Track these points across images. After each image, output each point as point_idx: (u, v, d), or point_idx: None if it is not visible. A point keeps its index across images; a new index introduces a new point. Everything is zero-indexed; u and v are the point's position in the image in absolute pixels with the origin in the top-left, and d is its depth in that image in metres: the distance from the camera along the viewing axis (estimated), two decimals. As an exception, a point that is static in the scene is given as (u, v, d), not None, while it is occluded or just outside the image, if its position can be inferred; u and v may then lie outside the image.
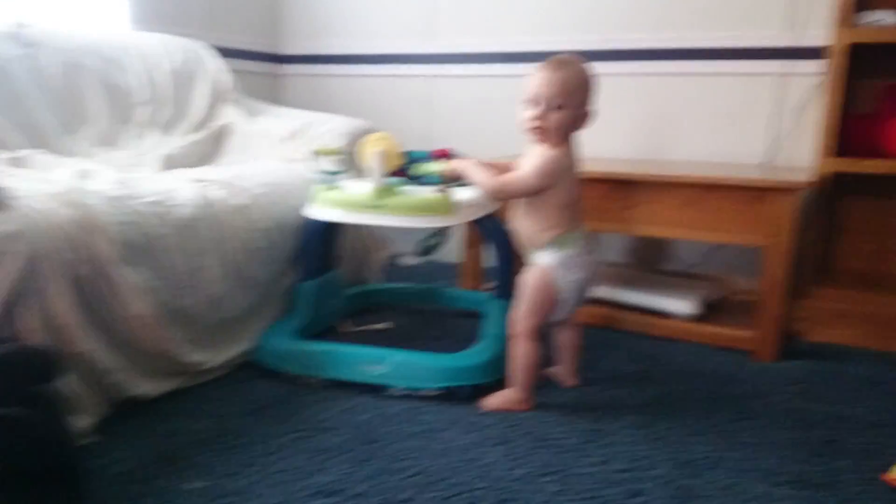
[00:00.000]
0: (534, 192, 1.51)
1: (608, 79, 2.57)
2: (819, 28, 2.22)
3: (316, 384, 1.67)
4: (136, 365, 1.50)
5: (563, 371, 1.73)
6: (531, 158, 1.53)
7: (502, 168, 1.60)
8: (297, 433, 1.44)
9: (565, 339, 1.70)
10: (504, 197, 1.55)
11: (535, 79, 1.48)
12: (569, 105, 1.47)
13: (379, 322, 2.10)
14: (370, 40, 3.04)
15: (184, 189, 1.68)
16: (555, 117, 1.47)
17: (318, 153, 1.81)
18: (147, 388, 1.52)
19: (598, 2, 2.59)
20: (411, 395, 1.62)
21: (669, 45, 2.49)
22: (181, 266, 1.58)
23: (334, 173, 1.78)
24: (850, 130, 2.13)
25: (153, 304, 1.49)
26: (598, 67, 2.53)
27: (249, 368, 1.76)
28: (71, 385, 1.32)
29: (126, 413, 1.47)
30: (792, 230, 1.85)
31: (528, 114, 1.49)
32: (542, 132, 1.49)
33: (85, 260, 1.37)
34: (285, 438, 1.42)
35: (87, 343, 1.37)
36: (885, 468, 1.34)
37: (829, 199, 2.11)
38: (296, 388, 1.67)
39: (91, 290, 1.38)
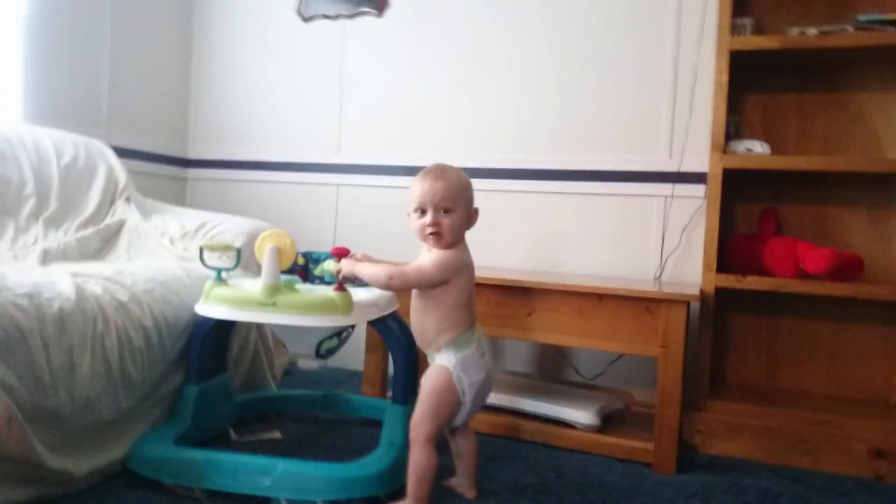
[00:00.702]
0: (429, 285, 1.52)
1: (506, 195, 2.71)
2: (698, 155, 2.40)
3: (195, 496, 1.53)
4: (-14, 471, 1.33)
5: (462, 482, 1.66)
6: (429, 256, 1.54)
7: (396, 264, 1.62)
8: (164, 551, 1.29)
9: (463, 448, 1.65)
10: (400, 286, 1.54)
11: (419, 188, 1.53)
12: (457, 207, 1.52)
13: (269, 430, 1.98)
14: (278, 148, 3.07)
15: (58, 283, 1.58)
16: (447, 221, 1.52)
17: (206, 248, 1.75)
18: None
19: (497, 124, 2.72)
20: (298, 509, 1.50)
21: (563, 166, 2.63)
22: (48, 363, 1.44)
23: (223, 270, 1.72)
24: (734, 250, 2.27)
25: (10, 403, 1.34)
26: (496, 184, 2.70)
27: (123, 477, 1.60)
28: None
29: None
30: (683, 341, 1.90)
31: (423, 221, 1.52)
32: (437, 237, 1.52)
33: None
34: (150, 557, 1.27)
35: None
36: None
37: (717, 313, 2.20)
38: (173, 499, 1.51)
39: (-63, 385, 1.24)
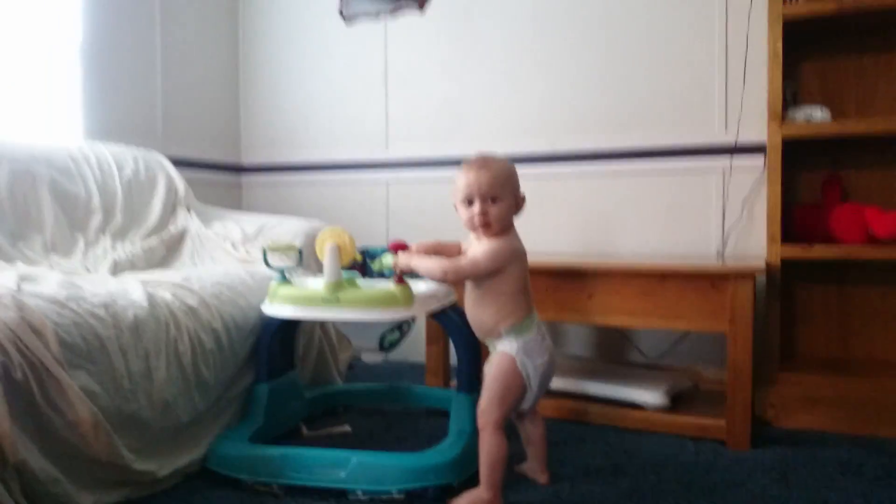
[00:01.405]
0: (484, 275, 1.52)
1: (556, 180, 2.69)
2: (755, 125, 2.34)
3: (273, 492, 1.56)
4: (77, 475, 1.38)
5: (534, 467, 1.66)
6: (480, 246, 1.54)
7: (450, 248, 1.64)
8: (250, 545, 1.33)
9: (532, 433, 1.65)
10: (455, 279, 1.55)
11: (464, 179, 1.53)
12: (504, 195, 1.52)
13: (339, 425, 2.01)
14: (327, 149, 3.11)
15: (131, 292, 1.63)
16: (495, 210, 1.51)
17: (269, 249, 1.79)
18: (88, 500, 1.39)
19: (543, 109, 2.70)
20: (375, 500, 1.52)
21: (615, 146, 2.59)
22: (126, 369, 1.50)
23: (287, 269, 1.75)
24: (798, 219, 2.21)
25: (96, 410, 1.39)
26: (545, 169, 2.68)
27: (203, 477, 1.65)
28: (2, 499, 1.21)
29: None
30: (751, 316, 1.86)
31: (471, 211, 1.52)
32: (486, 226, 1.52)
33: (22, 363, 1.29)
34: (237, 551, 1.31)
35: (22, 452, 1.27)
36: (873, 551, 1.28)
37: (784, 284, 2.14)
38: (252, 496, 1.56)
39: (28, 394, 1.30)
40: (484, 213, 1.51)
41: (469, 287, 1.58)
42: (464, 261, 1.53)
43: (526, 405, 1.58)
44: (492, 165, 1.53)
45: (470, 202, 1.53)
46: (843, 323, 2.28)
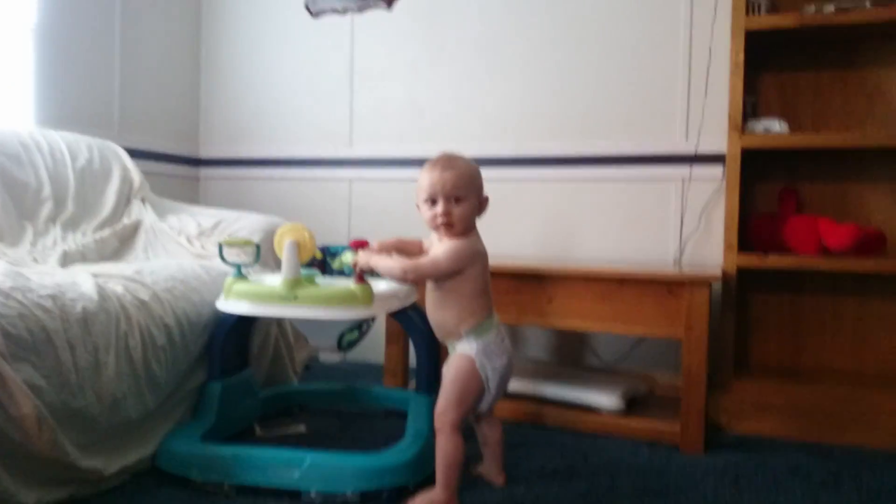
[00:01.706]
0: (445, 275, 1.51)
1: (519, 184, 2.69)
2: (715, 136, 2.38)
3: (224, 491, 1.53)
4: (19, 472, 1.33)
5: (490, 468, 1.65)
6: (441, 246, 1.53)
7: (412, 246, 1.64)
8: (198, 546, 1.30)
9: (489, 435, 1.65)
10: (415, 279, 1.54)
11: (428, 179, 1.52)
12: (468, 196, 1.51)
13: (294, 425, 1.98)
14: (290, 144, 3.06)
15: (80, 284, 1.58)
16: (458, 210, 1.51)
17: (225, 244, 1.75)
18: (30, 497, 1.34)
19: (509, 112, 2.71)
20: (329, 501, 1.50)
21: (577, 153, 2.61)
22: (74, 364, 1.45)
23: (243, 265, 1.72)
24: (754, 229, 2.26)
25: (39, 404, 1.34)
26: (509, 173, 2.69)
27: (152, 476, 1.61)
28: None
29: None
30: (707, 323, 1.88)
31: (434, 211, 1.51)
32: (448, 227, 1.51)
33: (-38, 354, 1.23)
34: (184, 552, 1.27)
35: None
36: (819, 555, 1.30)
37: (739, 293, 2.18)
38: (202, 495, 1.52)
39: (-33, 387, 1.24)
40: (447, 214, 1.50)
41: (430, 288, 1.57)
42: (424, 260, 1.52)
43: (484, 407, 1.57)
44: (456, 165, 1.52)
45: (433, 202, 1.51)
46: (796, 331, 2.33)
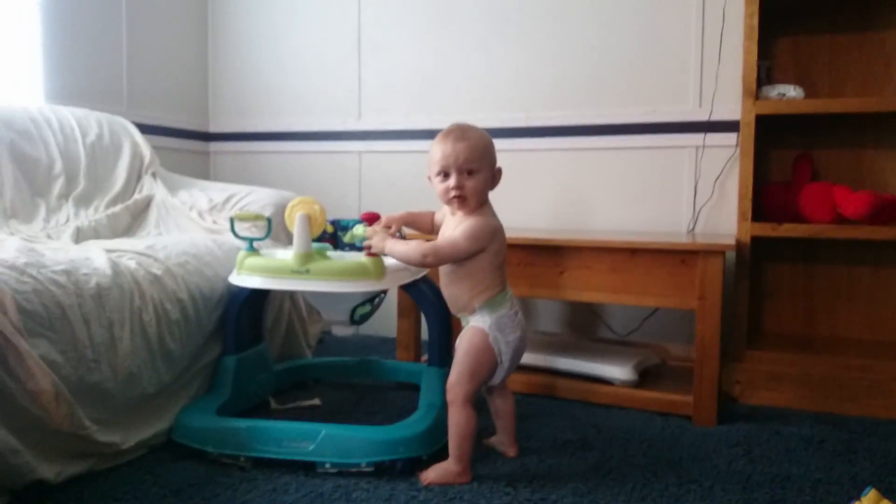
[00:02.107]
0: (465, 257, 1.49)
1: (531, 154, 2.67)
2: (729, 103, 2.34)
3: (240, 464, 1.55)
4: (38, 446, 1.35)
5: (502, 440, 1.66)
6: (458, 224, 1.52)
7: (423, 219, 1.64)
8: (215, 517, 1.32)
9: (501, 408, 1.65)
10: (435, 263, 1.52)
11: (440, 151, 1.49)
12: (481, 168, 1.49)
13: (308, 398, 1.99)
14: (299, 117, 3.05)
15: (94, 259, 1.59)
16: (471, 183, 1.48)
17: (237, 218, 1.75)
18: (50, 471, 1.36)
19: (519, 82, 2.67)
20: (343, 472, 1.51)
21: (588, 121, 2.58)
22: (89, 339, 1.46)
23: (255, 240, 1.72)
24: (768, 197, 2.23)
25: (56, 379, 1.36)
26: (520, 143, 2.66)
27: (168, 449, 1.63)
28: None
29: (27, 500, 1.32)
30: (720, 293, 1.87)
31: (447, 184, 1.49)
32: (461, 199, 1.49)
33: (-21, 331, 1.24)
34: (202, 523, 1.29)
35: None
36: (833, 523, 1.31)
37: (753, 262, 2.16)
38: (218, 468, 1.54)
39: (-16, 363, 1.26)
40: (460, 187, 1.48)
41: (446, 265, 1.55)
42: (443, 243, 1.50)
43: (496, 380, 1.57)
44: (469, 136, 1.49)
45: (445, 175, 1.49)
46: (810, 301, 2.32)
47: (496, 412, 1.66)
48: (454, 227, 1.54)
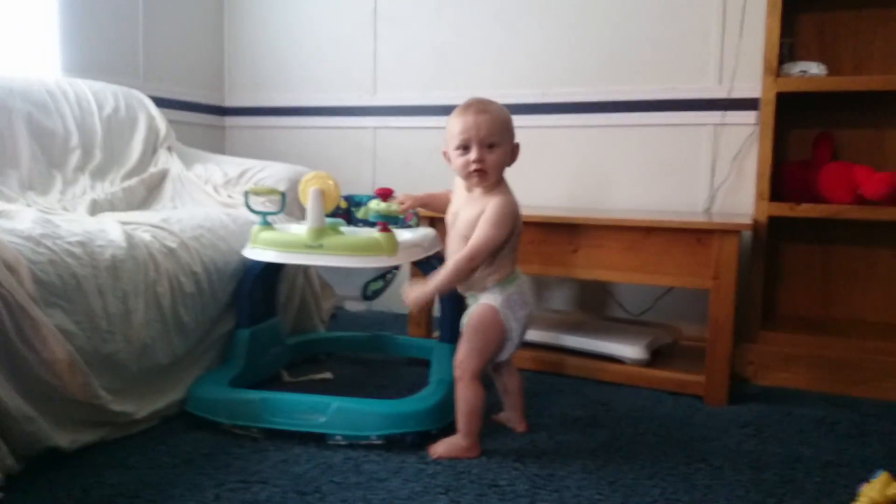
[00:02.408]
0: (500, 245, 1.48)
1: (547, 131, 2.65)
2: (749, 80, 2.30)
3: (252, 435, 1.57)
4: (53, 415, 1.38)
5: (511, 416, 1.67)
6: (472, 203, 1.50)
7: (441, 199, 1.64)
8: (228, 486, 1.33)
9: (509, 383, 1.65)
10: (480, 262, 1.48)
11: (461, 124, 1.47)
12: (502, 142, 1.47)
13: (320, 372, 2.01)
14: (314, 93, 3.04)
15: (109, 231, 1.60)
16: (492, 157, 1.47)
17: (251, 192, 1.75)
18: (65, 439, 1.38)
19: (537, 57, 2.64)
20: (354, 445, 1.53)
21: (607, 98, 2.55)
22: (104, 310, 1.48)
23: (270, 214, 1.72)
24: (786, 176, 2.20)
25: (71, 349, 1.37)
26: (536, 120, 2.64)
27: (182, 419, 1.65)
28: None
29: (41, 467, 1.35)
30: (735, 272, 1.85)
31: (467, 158, 1.47)
32: (482, 174, 1.48)
33: (-4, 300, 1.26)
34: (215, 491, 1.31)
35: (-4, 390, 1.25)
36: (842, 505, 1.30)
37: (769, 243, 2.14)
38: (230, 439, 1.56)
39: (2, 332, 1.27)
40: (481, 160, 1.46)
41: (460, 243, 1.52)
42: (478, 242, 1.45)
43: (504, 356, 1.57)
44: (490, 109, 1.48)
45: (465, 148, 1.47)
46: (826, 282, 2.30)
47: (504, 389, 1.66)
48: (465, 203, 1.53)
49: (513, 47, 2.68)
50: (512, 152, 1.52)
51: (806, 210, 2.02)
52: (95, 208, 2.04)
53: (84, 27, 2.51)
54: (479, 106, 1.48)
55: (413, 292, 1.48)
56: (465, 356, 1.51)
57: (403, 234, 1.70)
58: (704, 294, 1.95)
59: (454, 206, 1.58)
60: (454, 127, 1.48)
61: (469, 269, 1.47)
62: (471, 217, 1.50)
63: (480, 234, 1.47)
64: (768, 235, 2.09)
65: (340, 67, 2.98)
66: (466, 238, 1.50)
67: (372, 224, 1.68)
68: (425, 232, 1.79)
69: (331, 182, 1.66)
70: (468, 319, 1.55)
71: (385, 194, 1.60)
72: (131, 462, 1.42)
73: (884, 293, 2.23)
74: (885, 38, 2.18)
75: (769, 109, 2.04)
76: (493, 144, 1.46)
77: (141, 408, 1.57)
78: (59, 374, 1.35)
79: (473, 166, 1.46)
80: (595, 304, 2.63)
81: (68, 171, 2.12)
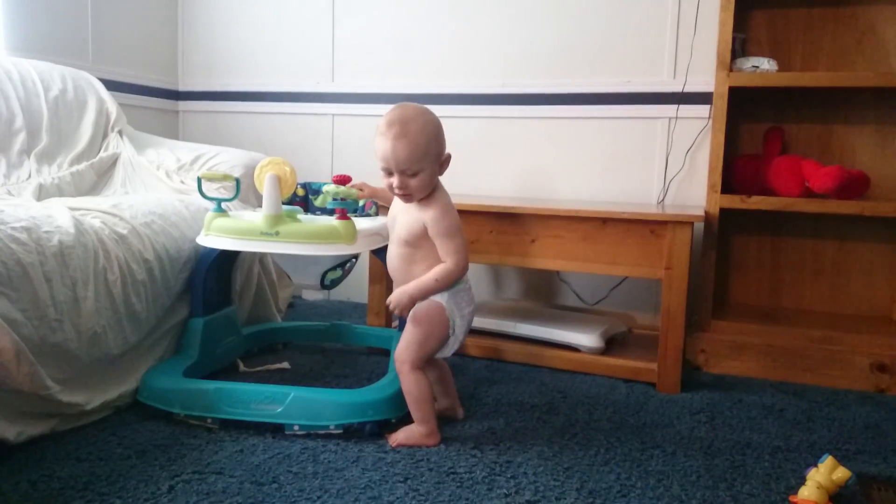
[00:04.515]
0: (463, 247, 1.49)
1: (504, 121, 2.65)
2: (703, 74, 2.34)
3: (207, 425, 1.54)
4: (1, 406, 1.33)
5: (447, 404, 1.66)
6: (420, 217, 1.48)
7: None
8: (183, 477, 1.31)
9: (438, 373, 1.64)
10: (465, 269, 1.50)
11: (381, 149, 1.44)
12: (424, 166, 1.44)
13: (278, 361, 1.99)
14: (271, 78, 2.99)
15: (57, 217, 1.55)
16: (414, 182, 1.45)
17: (204, 178, 1.71)
18: (11, 431, 1.34)
19: (495, 48, 2.64)
20: (312, 434, 1.52)
21: (563, 90, 2.56)
22: (52, 297, 1.43)
23: (223, 200, 1.69)
24: (738, 170, 2.25)
25: (17, 338, 1.33)
26: (494, 110, 2.64)
27: (135, 410, 1.62)
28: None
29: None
30: (688, 263, 1.89)
31: (390, 182, 1.46)
32: (406, 197, 1.48)
33: (-64, 287, 1.21)
34: (170, 483, 1.28)
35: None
36: (792, 490, 1.34)
37: (720, 234, 2.19)
38: (184, 429, 1.53)
39: (-58, 321, 1.23)
40: (403, 187, 1.45)
41: (401, 246, 1.52)
42: (450, 263, 1.47)
43: (448, 352, 1.55)
44: (409, 132, 1.41)
45: (389, 172, 1.46)
46: (775, 273, 2.36)
47: (436, 378, 1.64)
48: (403, 209, 1.52)
49: (472, 37, 2.67)
50: (440, 167, 1.49)
51: (756, 202, 2.07)
52: (42, 193, 1.98)
53: (29, 4, 2.41)
54: (399, 129, 1.41)
55: (400, 302, 1.49)
56: (403, 347, 1.51)
57: (362, 223, 1.68)
58: (657, 284, 1.99)
59: (393, 210, 1.58)
60: (377, 148, 1.45)
61: (458, 277, 1.49)
62: (408, 222, 1.50)
63: (446, 252, 1.47)
64: (720, 227, 2.14)
65: (298, 52, 2.94)
66: (406, 242, 1.51)
67: (331, 213, 1.66)
68: (384, 220, 1.77)
69: (287, 168, 1.63)
70: (411, 313, 1.51)
71: (343, 181, 1.59)
72: (82, 454, 1.39)
73: (830, 284, 2.31)
74: (834, 36, 2.24)
75: (722, 103, 2.09)
76: (415, 172, 1.44)
77: (92, 398, 1.53)
78: (5, 365, 1.30)
79: (397, 192, 1.47)
80: (551, 294, 2.66)
81: (13, 155, 2.05)
